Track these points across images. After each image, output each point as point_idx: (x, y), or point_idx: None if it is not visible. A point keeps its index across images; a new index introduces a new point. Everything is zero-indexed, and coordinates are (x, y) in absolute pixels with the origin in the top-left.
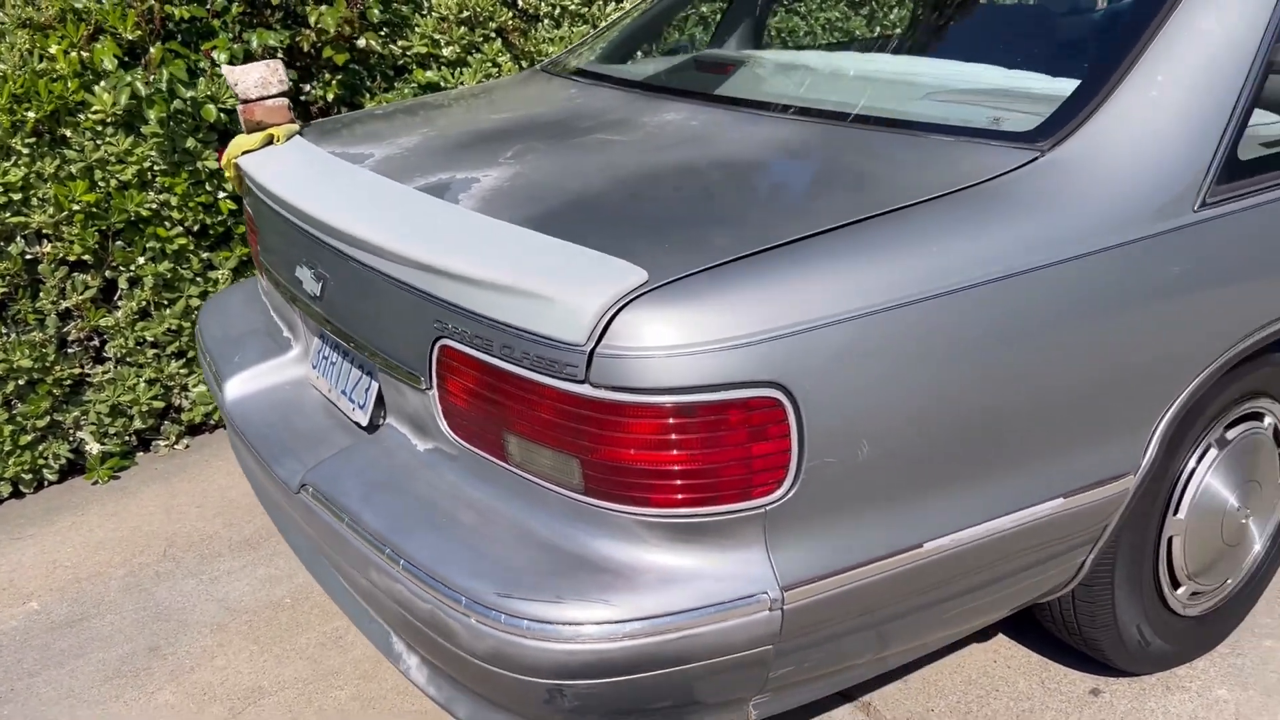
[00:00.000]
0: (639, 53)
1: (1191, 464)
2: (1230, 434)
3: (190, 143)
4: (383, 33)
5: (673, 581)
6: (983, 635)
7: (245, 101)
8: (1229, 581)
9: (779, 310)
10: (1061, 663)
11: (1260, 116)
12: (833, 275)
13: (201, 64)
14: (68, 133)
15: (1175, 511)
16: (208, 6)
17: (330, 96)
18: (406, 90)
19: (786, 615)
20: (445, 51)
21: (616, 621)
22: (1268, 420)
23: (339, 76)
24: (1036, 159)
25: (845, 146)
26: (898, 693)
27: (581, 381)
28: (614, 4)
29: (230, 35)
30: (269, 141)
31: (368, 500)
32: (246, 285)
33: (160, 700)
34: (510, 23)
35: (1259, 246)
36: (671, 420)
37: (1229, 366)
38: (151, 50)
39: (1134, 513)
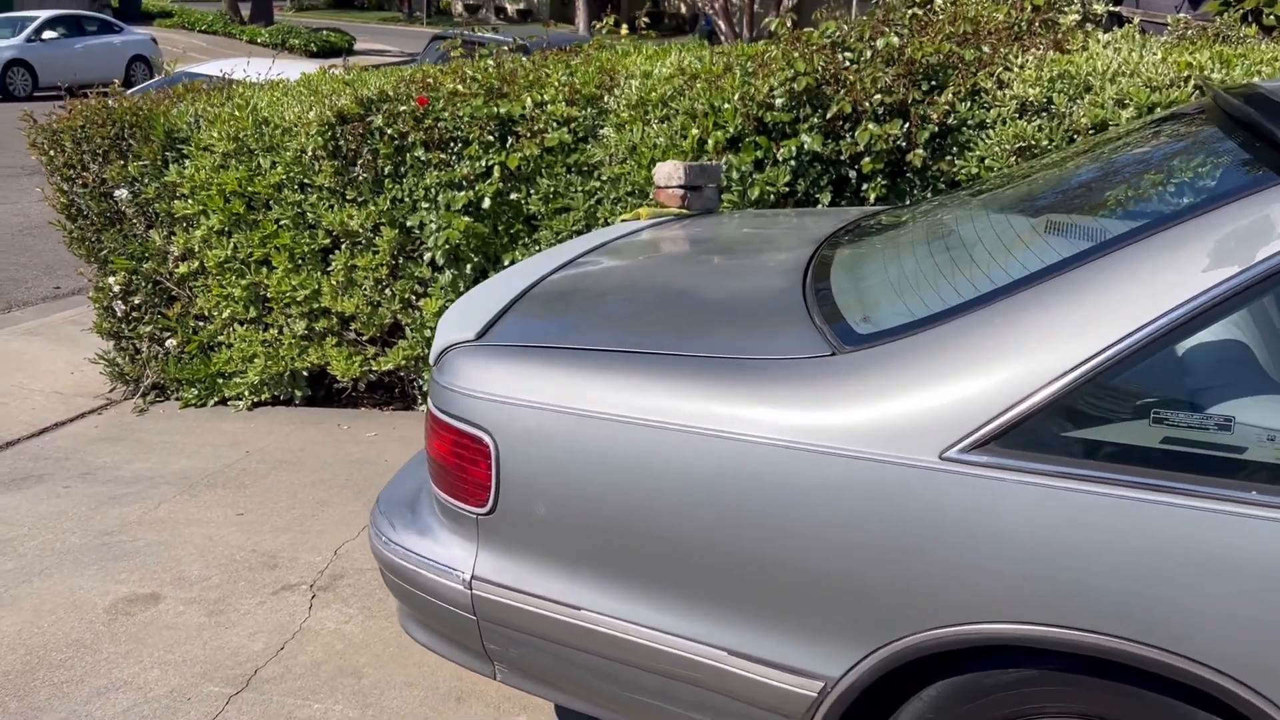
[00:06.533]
0: None
1: None
2: None
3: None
4: (950, 151)
5: (427, 536)
6: None
7: (656, 187)
8: None
9: (505, 385)
10: None
11: None
12: (564, 377)
13: (771, 154)
14: None
15: None
16: (795, 114)
17: (873, 196)
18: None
19: (475, 598)
20: (990, 176)
21: (387, 540)
22: None
23: (883, 181)
24: None
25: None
26: None
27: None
28: None
29: (800, 138)
30: (636, 217)
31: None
32: None
33: None
34: None
35: None
36: (440, 432)
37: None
38: (743, 141)
39: None
